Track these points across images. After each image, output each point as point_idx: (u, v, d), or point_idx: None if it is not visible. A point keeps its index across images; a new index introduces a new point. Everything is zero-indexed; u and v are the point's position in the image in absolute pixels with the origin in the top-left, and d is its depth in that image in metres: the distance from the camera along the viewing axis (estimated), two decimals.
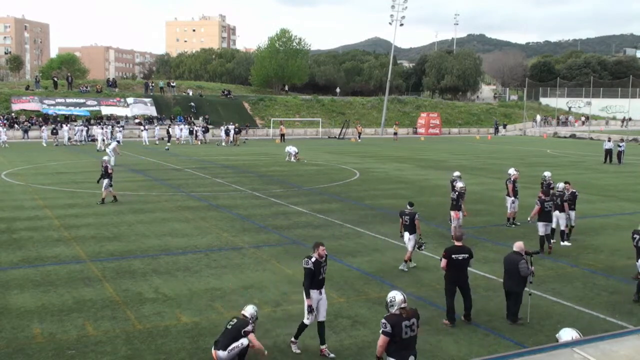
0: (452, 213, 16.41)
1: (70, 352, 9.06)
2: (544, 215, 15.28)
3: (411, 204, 13.82)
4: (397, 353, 7.29)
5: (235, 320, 8.60)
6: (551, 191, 16.54)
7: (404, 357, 7.26)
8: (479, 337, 9.93)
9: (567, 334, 6.76)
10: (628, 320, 10.72)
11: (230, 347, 8.25)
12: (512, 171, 18.86)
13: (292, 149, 37.49)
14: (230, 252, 14.87)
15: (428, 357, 9.13)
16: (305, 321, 9.17)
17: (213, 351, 8.45)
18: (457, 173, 19.24)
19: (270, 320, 10.29)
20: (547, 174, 19.32)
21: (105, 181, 20.95)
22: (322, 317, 9.23)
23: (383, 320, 7.32)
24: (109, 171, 20.95)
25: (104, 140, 44.51)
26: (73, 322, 10.19)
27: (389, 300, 7.45)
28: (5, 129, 48.11)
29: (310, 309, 9.10)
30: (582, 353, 5.06)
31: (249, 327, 8.44)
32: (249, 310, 8.81)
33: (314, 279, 9.08)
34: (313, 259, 9.12)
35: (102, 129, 47.97)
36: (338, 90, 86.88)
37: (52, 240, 15.79)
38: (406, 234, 13.55)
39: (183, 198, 22.72)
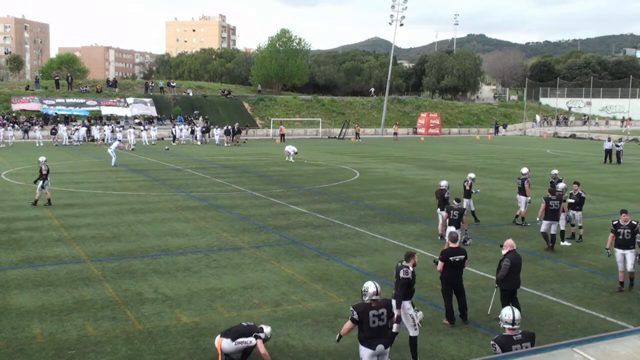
0: (445, 213, 16.33)
1: (70, 352, 9.06)
2: (550, 214, 15.41)
3: (458, 200, 15.13)
4: (366, 341, 7.60)
5: (252, 323, 8.85)
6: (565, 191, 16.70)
7: (373, 345, 7.54)
8: (479, 337, 9.93)
9: (504, 310, 7.15)
10: (628, 320, 10.73)
11: (238, 340, 8.47)
12: (525, 170, 19.08)
13: (291, 148, 37.59)
14: (230, 252, 14.87)
15: (428, 357, 9.14)
16: (413, 333, 8.83)
17: (219, 338, 8.63)
18: (471, 174, 19.10)
19: (270, 320, 10.26)
20: (554, 171, 19.83)
21: (41, 182, 20.58)
22: (413, 332, 8.90)
23: (351, 308, 7.66)
24: (43, 172, 20.60)
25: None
26: (73, 322, 10.19)
27: (363, 289, 7.75)
28: (10, 129, 48.05)
29: (399, 320, 8.83)
30: (582, 353, 5.05)
31: (262, 334, 8.64)
32: (266, 329, 8.82)
33: (408, 289, 8.91)
34: (411, 269, 8.95)
35: (133, 127, 48.75)
36: (372, 89, 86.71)
37: (52, 240, 15.79)
38: (452, 228, 14.06)
39: (183, 198, 22.72)
